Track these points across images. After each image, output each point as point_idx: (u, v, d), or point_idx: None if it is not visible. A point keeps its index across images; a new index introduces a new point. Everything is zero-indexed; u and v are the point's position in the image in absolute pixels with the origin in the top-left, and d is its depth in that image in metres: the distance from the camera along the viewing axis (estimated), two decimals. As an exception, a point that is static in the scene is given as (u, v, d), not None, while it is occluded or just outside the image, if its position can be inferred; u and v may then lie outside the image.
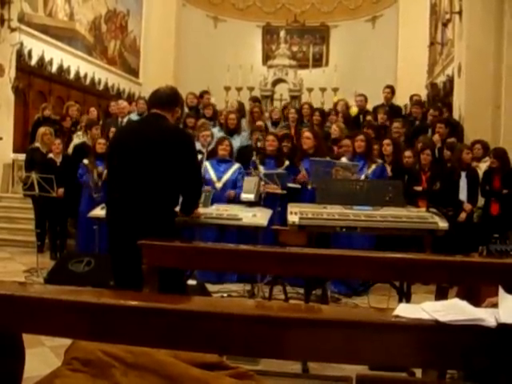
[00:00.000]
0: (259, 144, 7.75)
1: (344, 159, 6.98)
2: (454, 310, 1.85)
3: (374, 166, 6.93)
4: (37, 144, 8.89)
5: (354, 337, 1.90)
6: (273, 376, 3.58)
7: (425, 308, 1.88)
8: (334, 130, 8.31)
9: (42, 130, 8.93)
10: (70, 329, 2.13)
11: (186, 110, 9.97)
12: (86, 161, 7.99)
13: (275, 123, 9.77)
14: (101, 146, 7.99)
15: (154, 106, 3.93)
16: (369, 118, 9.46)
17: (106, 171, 7.62)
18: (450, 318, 1.79)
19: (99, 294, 2.26)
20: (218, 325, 1.99)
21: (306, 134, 7.30)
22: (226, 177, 7.11)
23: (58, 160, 8.51)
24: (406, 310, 1.90)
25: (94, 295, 2.22)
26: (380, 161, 7.23)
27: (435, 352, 1.86)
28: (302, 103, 11.70)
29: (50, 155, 8.55)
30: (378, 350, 1.90)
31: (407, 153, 7.68)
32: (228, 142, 7.37)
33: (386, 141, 7.71)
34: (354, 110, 10.33)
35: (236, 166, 7.26)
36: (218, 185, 7.01)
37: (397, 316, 1.87)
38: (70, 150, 9.09)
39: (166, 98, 3.89)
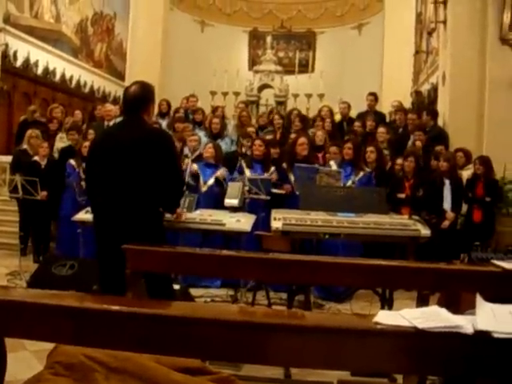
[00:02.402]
0: (248, 152, 7.78)
1: (333, 165, 7.03)
2: (432, 317, 1.89)
3: (361, 174, 6.96)
4: (24, 146, 8.84)
5: (335, 343, 1.93)
6: (255, 381, 3.59)
7: (404, 315, 1.92)
8: (318, 136, 8.32)
9: (29, 132, 8.89)
10: (53, 333, 2.14)
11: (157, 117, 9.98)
12: (72, 161, 8.00)
13: (262, 128, 9.80)
14: (86, 149, 7.97)
15: (127, 111, 3.94)
16: (357, 124, 9.44)
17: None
18: (428, 324, 1.82)
19: (82, 299, 2.27)
20: (200, 330, 2.01)
21: (302, 139, 7.31)
22: (211, 181, 7.16)
23: (43, 163, 8.46)
24: (386, 317, 1.93)
25: (76, 300, 2.23)
26: (368, 169, 7.27)
27: (415, 358, 1.89)
28: (290, 109, 11.72)
29: (36, 158, 8.50)
30: (360, 355, 1.92)
31: (399, 160, 7.72)
32: (212, 145, 7.41)
33: (370, 148, 7.73)
34: (337, 117, 10.40)
35: (221, 170, 7.29)
36: (203, 188, 7.07)
37: (377, 323, 1.89)
38: (55, 153, 9.03)
39: (137, 101, 3.84)
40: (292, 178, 7.09)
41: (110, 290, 3.68)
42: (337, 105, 10.97)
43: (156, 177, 3.70)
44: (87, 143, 8.06)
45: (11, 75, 11.78)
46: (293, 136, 8.45)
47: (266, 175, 7.09)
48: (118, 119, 9.64)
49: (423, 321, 1.84)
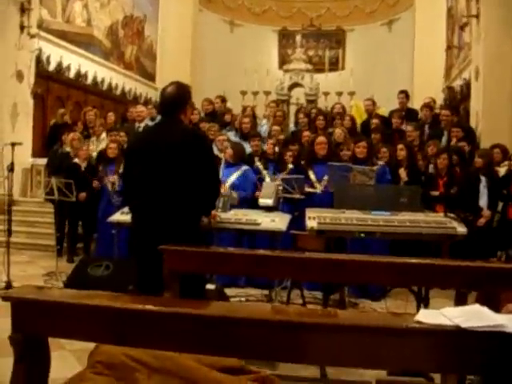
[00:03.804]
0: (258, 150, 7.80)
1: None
2: (474, 315, 1.87)
3: (374, 169, 6.91)
4: (67, 149, 9.00)
5: (373, 342, 1.92)
6: (292, 381, 3.60)
7: (445, 314, 1.90)
8: (339, 134, 8.28)
9: (71, 134, 9.07)
10: (94, 333, 2.18)
11: (202, 115, 10.04)
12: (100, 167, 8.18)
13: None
14: (112, 150, 8.08)
15: (164, 112, 3.94)
16: (375, 121, 9.31)
17: (115, 177, 7.77)
18: (470, 323, 1.80)
19: (122, 299, 2.29)
20: (237, 330, 2.02)
21: (321, 138, 7.29)
22: (230, 180, 7.11)
23: (83, 165, 8.61)
24: (427, 316, 1.91)
25: (117, 300, 2.26)
26: (381, 163, 7.23)
27: (455, 357, 1.87)
28: (309, 108, 11.70)
29: (76, 160, 8.64)
30: (399, 355, 1.92)
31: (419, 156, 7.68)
32: (230, 146, 7.44)
33: (400, 145, 7.68)
34: (363, 114, 10.35)
35: (243, 168, 7.24)
36: (222, 190, 7.04)
37: (418, 321, 1.88)
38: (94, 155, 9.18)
39: (174, 102, 3.83)
40: (312, 175, 7.06)
41: (148, 290, 3.71)
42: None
43: (194, 178, 3.68)
44: (113, 145, 8.18)
45: (45, 79, 11.99)
46: (305, 134, 8.45)
47: (282, 174, 7.07)
48: (147, 120, 9.79)
49: (465, 320, 1.82)
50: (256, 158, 7.69)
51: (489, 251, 6.49)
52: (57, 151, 9.38)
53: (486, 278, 3.29)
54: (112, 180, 7.77)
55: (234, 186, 7.01)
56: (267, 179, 7.20)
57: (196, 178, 3.69)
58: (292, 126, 10.27)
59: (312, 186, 7.00)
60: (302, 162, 7.32)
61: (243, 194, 6.79)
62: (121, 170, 7.15)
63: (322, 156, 7.09)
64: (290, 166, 7.38)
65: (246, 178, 7.19)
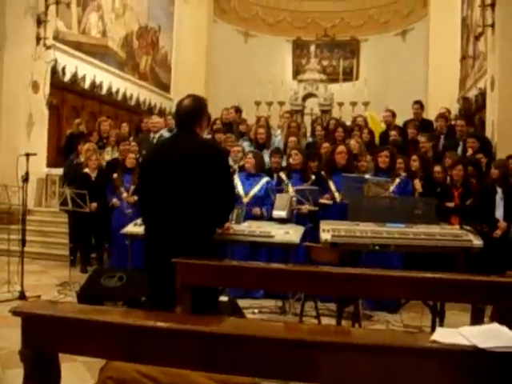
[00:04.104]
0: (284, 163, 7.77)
1: (368, 175, 6.94)
2: (493, 335, 1.82)
3: (397, 180, 6.83)
4: (82, 159, 9.02)
5: (387, 362, 1.88)
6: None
7: (463, 333, 1.86)
8: (354, 145, 8.23)
9: (86, 145, 9.07)
10: (104, 349, 2.16)
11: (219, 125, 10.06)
12: (115, 175, 8.12)
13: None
14: (131, 160, 8.09)
15: (180, 125, 3.94)
16: (393, 133, 9.24)
17: (132, 187, 7.80)
18: (488, 344, 1.76)
19: (134, 315, 2.27)
20: (249, 347, 1.99)
21: (341, 148, 7.24)
22: (253, 192, 7.07)
23: (94, 175, 8.62)
24: (443, 335, 1.87)
25: (128, 316, 2.24)
26: (404, 174, 7.16)
27: (472, 379, 1.83)
28: (328, 119, 11.67)
29: (86, 170, 8.66)
30: (413, 375, 1.87)
31: (437, 168, 7.59)
32: (252, 155, 7.36)
33: (413, 157, 7.64)
34: (383, 126, 10.27)
35: (264, 180, 7.19)
36: (245, 200, 6.97)
37: (435, 341, 1.84)
38: (103, 165, 9.17)
39: (190, 115, 3.83)
40: (332, 186, 7.02)
41: (159, 303, 3.69)
42: (381, 112, 10.86)
43: (209, 191, 3.66)
44: (132, 155, 8.18)
45: (60, 90, 12.09)
46: (325, 145, 8.40)
47: (305, 185, 7.04)
48: (163, 131, 9.81)
49: (483, 339, 1.77)
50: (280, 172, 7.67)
51: (505, 263, 6.40)
52: (72, 161, 9.40)
53: (501, 292, 3.23)
54: (125, 197, 7.81)
55: (256, 198, 7.00)
56: (290, 189, 7.14)
57: (210, 190, 3.67)
58: (309, 136, 10.22)
59: (332, 196, 6.95)
60: (322, 173, 7.27)
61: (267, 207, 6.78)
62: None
63: (341, 166, 7.05)
64: (313, 177, 7.34)
65: (268, 189, 7.12)
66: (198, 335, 2.02)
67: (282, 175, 7.43)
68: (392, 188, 6.66)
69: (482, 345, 1.75)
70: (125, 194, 7.87)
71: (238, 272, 3.52)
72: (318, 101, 14.08)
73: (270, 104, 13.90)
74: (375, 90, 14.71)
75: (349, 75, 16.98)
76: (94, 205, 8.09)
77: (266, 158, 8.14)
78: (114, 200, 8.05)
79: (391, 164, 6.93)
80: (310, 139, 10.07)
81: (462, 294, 3.35)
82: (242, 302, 6.13)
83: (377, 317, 6.20)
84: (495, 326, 1.92)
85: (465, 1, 13.66)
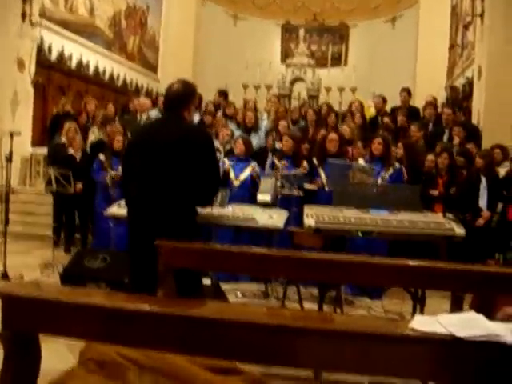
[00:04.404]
0: (276, 145, 7.78)
1: (361, 161, 6.94)
2: (470, 324, 1.84)
3: (391, 170, 6.83)
4: (63, 139, 8.92)
5: (367, 348, 1.90)
6: (285, 380, 3.58)
7: (441, 321, 1.87)
8: (345, 130, 8.22)
9: (67, 125, 8.94)
10: (85, 331, 2.15)
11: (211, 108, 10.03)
12: (102, 156, 8.01)
13: (294, 122, 9.77)
14: (119, 143, 8.02)
15: (168, 108, 3.95)
16: (386, 119, 9.33)
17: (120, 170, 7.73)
18: (466, 332, 1.78)
19: (115, 298, 2.27)
20: (231, 332, 2.00)
21: (332, 135, 7.25)
22: (244, 175, 7.17)
23: (78, 156, 8.55)
24: (422, 323, 1.89)
25: (109, 299, 2.24)
26: (398, 164, 7.17)
27: (449, 367, 1.85)
28: (320, 104, 11.64)
29: (71, 151, 8.59)
30: (392, 362, 1.89)
31: (430, 156, 7.60)
32: (242, 140, 7.42)
33: (399, 144, 7.68)
34: (371, 111, 10.28)
35: (252, 165, 7.30)
36: (236, 183, 7.07)
37: (413, 329, 1.86)
38: (88, 146, 9.10)
39: (178, 99, 3.86)
40: (322, 173, 7.04)
41: (141, 285, 3.70)
42: (369, 98, 10.87)
43: (193, 174, 3.69)
44: (119, 137, 8.10)
45: (46, 69, 11.96)
46: (323, 132, 8.39)
47: (298, 170, 7.06)
48: (152, 112, 9.75)
49: (460, 328, 1.79)
50: (270, 153, 7.69)
51: (487, 252, 6.47)
52: (55, 142, 9.32)
53: (482, 281, 3.27)
54: (113, 175, 7.70)
55: (246, 182, 7.11)
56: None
57: (195, 174, 3.68)
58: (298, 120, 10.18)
59: (322, 183, 6.97)
60: (314, 159, 7.28)
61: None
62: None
63: (332, 153, 7.06)
64: (305, 163, 7.36)
65: (257, 174, 7.21)
66: (179, 319, 2.02)
67: (275, 159, 7.45)
68: (386, 177, 6.69)
69: (458, 333, 1.77)
70: (113, 173, 7.77)
71: (221, 256, 3.53)
72: (306, 85, 14.06)
73: (257, 87, 13.85)
74: (363, 76, 14.71)
75: (337, 60, 16.88)
76: (80, 185, 8.04)
77: (254, 142, 8.16)
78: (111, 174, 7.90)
79: (385, 151, 6.91)
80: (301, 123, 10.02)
81: (442, 282, 3.37)
82: (225, 286, 6.16)
83: (358, 302, 6.25)
84: (473, 314, 1.94)
85: (455, -11, 13.67)
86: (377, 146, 6.89)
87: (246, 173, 7.20)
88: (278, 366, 2.06)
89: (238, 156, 7.33)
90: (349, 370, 2.10)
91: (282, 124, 8.80)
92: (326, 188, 6.85)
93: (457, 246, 4.78)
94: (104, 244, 7.22)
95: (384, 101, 10.16)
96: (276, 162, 7.33)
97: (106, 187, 7.62)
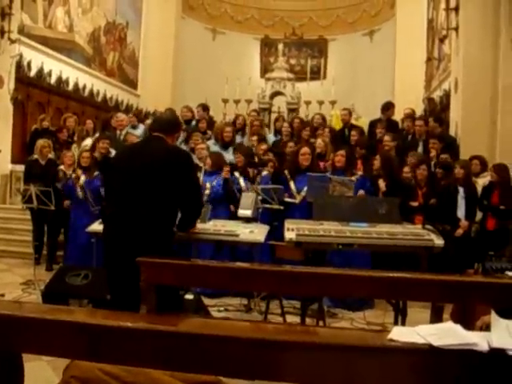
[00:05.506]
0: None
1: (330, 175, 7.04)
2: (447, 333, 1.88)
3: (353, 179, 6.94)
4: (35, 156, 8.87)
5: (349, 360, 1.92)
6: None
7: (419, 332, 1.91)
8: (319, 144, 8.30)
9: (40, 142, 8.92)
10: (68, 349, 2.15)
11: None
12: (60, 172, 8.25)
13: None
14: (84, 159, 8.01)
15: (156, 130, 4.05)
16: (354, 133, 9.25)
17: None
18: (443, 342, 1.81)
19: (97, 315, 2.28)
20: (213, 347, 2.01)
21: (304, 149, 7.32)
22: (209, 185, 7.32)
23: (69, 172, 8.48)
24: (400, 334, 1.92)
25: (92, 316, 2.24)
26: (360, 173, 7.29)
27: (428, 376, 1.88)
28: (291, 117, 11.74)
29: (62, 167, 8.55)
30: (373, 373, 1.92)
31: (405, 169, 7.70)
32: (209, 156, 7.62)
33: (376, 156, 7.78)
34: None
35: (221, 175, 7.37)
36: (207, 191, 7.21)
37: (391, 340, 1.89)
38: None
39: (168, 124, 4.10)
40: (293, 187, 7.11)
41: (121, 301, 3.72)
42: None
43: (175, 195, 3.78)
44: (86, 154, 8.11)
45: (25, 85, 11.89)
46: (291, 145, 8.51)
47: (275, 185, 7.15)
48: (129, 128, 9.76)
49: (438, 338, 1.83)
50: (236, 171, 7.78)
51: (466, 262, 6.54)
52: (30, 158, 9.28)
53: (461, 291, 3.31)
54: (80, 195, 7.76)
55: (212, 189, 7.23)
56: (243, 185, 7.47)
57: (176, 195, 3.77)
58: (271, 136, 10.21)
59: (292, 196, 7.04)
60: (286, 172, 7.34)
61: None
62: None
63: (305, 167, 7.13)
64: (236, 174, 7.67)
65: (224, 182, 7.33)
66: (161, 334, 2.03)
67: (236, 174, 7.67)
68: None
69: (436, 343, 1.80)
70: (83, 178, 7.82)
71: (202, 271, 3.54)
72: (286, 99, 14.14)
73: (237, 102, 13.90)
74: (343, 89, 14.83)
75: (316, 74, 17.06)
76: (67, 202, 8.03)
77: (230, 156, 8.27)
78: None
79: (347, 163, 7.08)
80: (272, 138, 10.07)
81: (423, 293, 3.42)
82: (208, 301, 6.16)
83: (341, 314, 6.28)
84: (450, 324, 1.98)
85: (430, 3, 13.85)
86: (340, 158, 7.11)
87: (213, 183, 7.30)
88: (262, 380, 2.06)
89: (206, 170, 7.47)
90: (332, 383, 2.12)
91: (253, 139, 8.95)
92: (297, 201, 6.93)
93: (437, 256, 4.84)
94: (79, 260, 7.19)
95: (350, 114, 10.27)
96: (237, 176, 7.58)
97: (88, 203, 7.60)
